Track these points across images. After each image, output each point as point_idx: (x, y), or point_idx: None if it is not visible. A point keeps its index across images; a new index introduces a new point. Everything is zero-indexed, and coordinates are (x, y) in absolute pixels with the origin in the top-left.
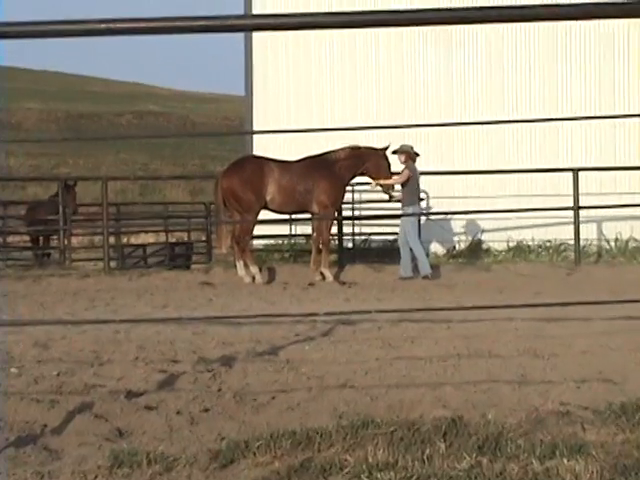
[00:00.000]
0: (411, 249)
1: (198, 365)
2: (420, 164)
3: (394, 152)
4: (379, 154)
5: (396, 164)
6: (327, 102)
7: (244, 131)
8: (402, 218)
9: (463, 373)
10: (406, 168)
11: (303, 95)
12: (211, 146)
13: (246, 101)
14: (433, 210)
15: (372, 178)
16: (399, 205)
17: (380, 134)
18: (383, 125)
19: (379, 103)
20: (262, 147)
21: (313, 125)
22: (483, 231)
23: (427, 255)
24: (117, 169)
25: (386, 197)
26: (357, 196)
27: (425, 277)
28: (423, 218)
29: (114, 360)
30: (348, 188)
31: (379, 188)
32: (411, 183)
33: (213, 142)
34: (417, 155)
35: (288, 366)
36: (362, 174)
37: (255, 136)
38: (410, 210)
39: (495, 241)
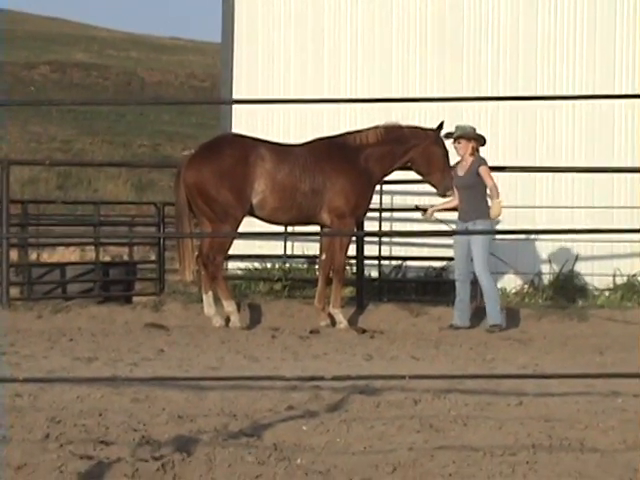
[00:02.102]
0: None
1: (140, 449)
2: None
3: (448, 135)
4: (430, 137)
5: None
6: (346, 60)
7: (219, 100)
8: (471, 238)
9: (541, 473)
10: (478, 163)
11: (311, 47)
12: (168, 118)
13: (223, 52)
14: (499, 227)
15: (421, 174)
16: (450, 215)
17: (430, 109)
18: (430, 97)
19: (422, 68)
20: (246, 123)
21: (325, 93)
22: (577, 259)
23: None
24: (25, 148)
25: (433, 201)
26: (386, 200)
27: (493, 329)
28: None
29: (12, 438)
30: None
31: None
32: (482, 186)
33: (171, 112)
34: (484, 141)
35: (276, 454)
36: (402, 168)
37: (236, 107)
38: (482, 227)
39: (595, 275)
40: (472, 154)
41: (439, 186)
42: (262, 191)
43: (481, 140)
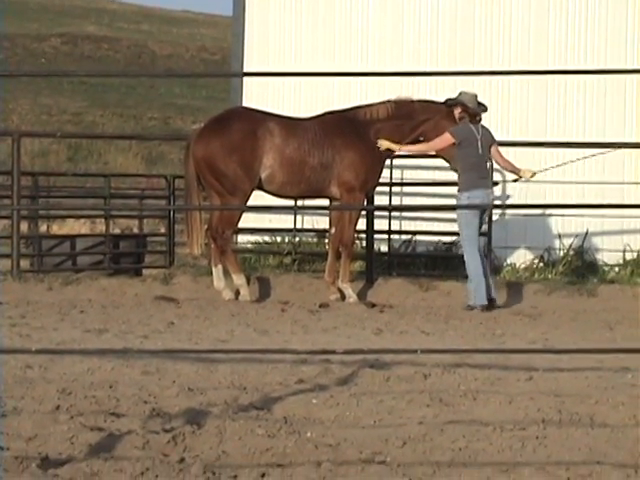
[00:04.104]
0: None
1: (150, 421)
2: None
3: (446, 103)
4: (442, 112)
5: None
6: (358, 32)
7: (230, 73)
8: (457, 211)
9: (551, 448)
10: (452, 131)
11: (322, 20)
12: (178, 91)
13: (234, 26)
14: (510, 201)
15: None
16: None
17: (441, 81)
18: (441, 71)
19: (433, 40)
20: (257, 96)
21: (336, 66)
22: (587, 235)
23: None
24: (35, 121)
25: (445, 176)
26: (396, 174)
27: (469, 308)
28: (494, 212)
29: (23, 410)
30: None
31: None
32: (464, 155)
33: (182, 85)
34: (483, 110)
35: (286, 427)
36: (415, 142)
37: (246, 79)
38: (464, 199)
39: (604, 250)
40: (461, 117)
41: (452, 160)
42: (270, 165)
43: (475, 109)
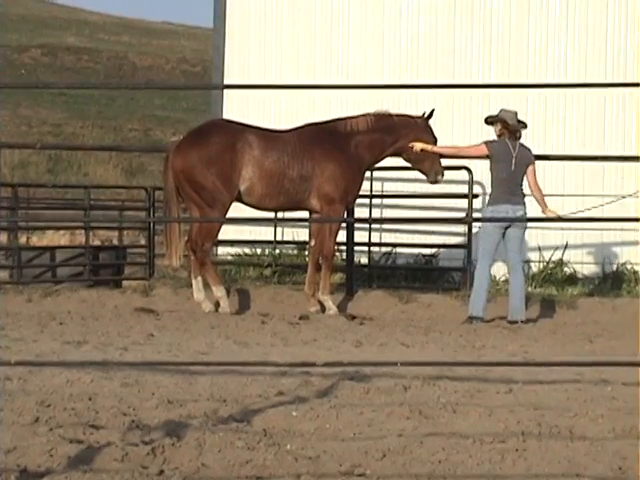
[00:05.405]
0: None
1: (130, 434)
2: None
3: (487, 120)
4: (420, 125)
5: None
6: (338, 46)
7: (210, 85)
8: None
9: (531, 461)
10: (486, 143)
11: (303, 32)
12: (159, 103)
13: (215, 38)
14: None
15: (410, 162)
16: (440, 202)
17: (422, 98)
18: (420, 84)
19: (414, 53)
20: (238, 108)
21: (316, 79)
22: (566, 247)
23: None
24: (15, 132)
25: (426, 189)
26: (377, 186)
27: (470, 320)
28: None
29: (2, 422)
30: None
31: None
32: (496, 170)
33: (162, 97)
34: (523, 127)
35: (266, 440)
36: (392, 155)
37: (227, 92)
38: (488, 213)
39: (584, 263)
40: (500, 134)
41: (429, 173)
42: (249, 178)
43: (514, 126)
